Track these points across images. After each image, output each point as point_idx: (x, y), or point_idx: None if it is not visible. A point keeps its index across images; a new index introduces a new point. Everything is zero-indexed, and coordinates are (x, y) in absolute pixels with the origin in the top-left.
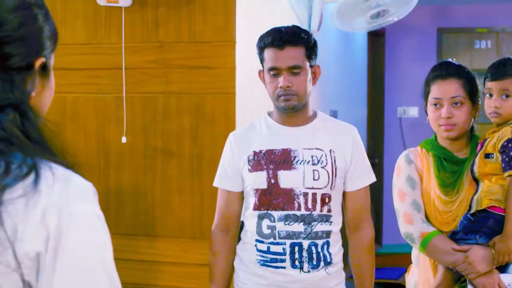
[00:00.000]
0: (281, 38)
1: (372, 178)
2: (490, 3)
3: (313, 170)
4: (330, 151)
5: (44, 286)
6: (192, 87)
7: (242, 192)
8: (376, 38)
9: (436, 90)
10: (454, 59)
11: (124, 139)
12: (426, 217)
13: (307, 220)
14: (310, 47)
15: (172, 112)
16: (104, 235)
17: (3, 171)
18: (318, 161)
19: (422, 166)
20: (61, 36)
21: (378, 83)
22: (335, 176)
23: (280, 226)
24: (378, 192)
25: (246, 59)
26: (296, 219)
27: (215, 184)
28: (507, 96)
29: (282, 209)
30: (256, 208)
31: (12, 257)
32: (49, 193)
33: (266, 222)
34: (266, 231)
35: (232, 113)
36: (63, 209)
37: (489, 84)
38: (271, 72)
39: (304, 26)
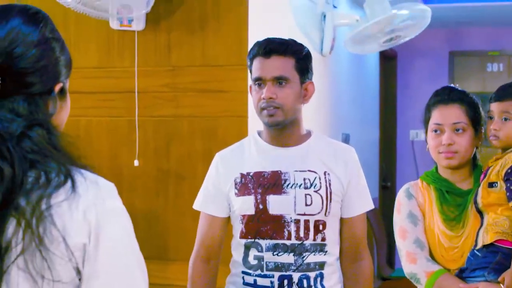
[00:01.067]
0: (267, 46)
1: (371, 205)
2: (502, 26)
3: (305, 195)
4: (325, 173)
5: (89, 270)
6: (205, 111)
7: (227, 218)
8: (388, 61)
9: (437, 115)
10: (457, 85)
11: (136, 163)
12: (431, 255)
13: (297, 250)
14: (301, 59)
15: (185, 135)
16: (130, 224)
17: (45, 181)
18: (311, 185)
19: (424, 201)
20: (74, 60)
21: (390, 106)
22: (330, 201)
23: (268, 257)
24: (390, 214)
25: None
26: (286, 249)
27: (195, 206)
28: (506, 119)
29: (271, 238)
30: (243, 236)
31: (65, 249)
32: (86, 195)
33: (253, 252)
34: (253, 262)
35: (244, 136)
36: (99, 207)
37: (492, 105)
38: (256, 83)
39: (316, 50)
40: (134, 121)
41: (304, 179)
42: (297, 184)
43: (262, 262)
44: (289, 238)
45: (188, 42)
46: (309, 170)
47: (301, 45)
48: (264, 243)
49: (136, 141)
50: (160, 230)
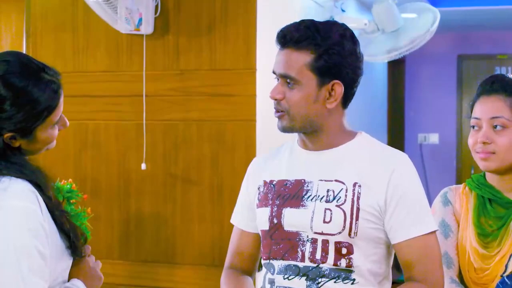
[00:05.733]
0: (284, 32)
1: (430, 226)
2: (510, 30)
3: (325, 209)
4: (355, 185)
5: None
6: (213, 115)
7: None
8: (396, 65)
9: (477, 108)
10: (511, 74)
11: (143, 166)
12: (460, 274)
13: (311, 275)
14: (324, 54)
15: (193, 139)
16: (16, 220)
17: None
18: (334, 198)
19: (461, 209)
20: (83, 64)
21: (399, 110)
22: (357, 219)
23: (279, 281)
24: None
25: (267, 87)
26: (297, 272)
27: (231, 219)
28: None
29: (282, 258)
30: (262, 255)
31: None
32: None
33: (268, 275)
34: (267, 286)
35: (253, 140)
36: None
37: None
38: (275, 77)
39: None
40: (142, 125)
41: (328, 191)
42: (318, 196)
43: (274, 287)
44: (302, 260)
45: (197, 46)
46: (336, 180)
47: (332, 33)
48: (276, 264)
49: (143, 145)
50: (168, 234)
